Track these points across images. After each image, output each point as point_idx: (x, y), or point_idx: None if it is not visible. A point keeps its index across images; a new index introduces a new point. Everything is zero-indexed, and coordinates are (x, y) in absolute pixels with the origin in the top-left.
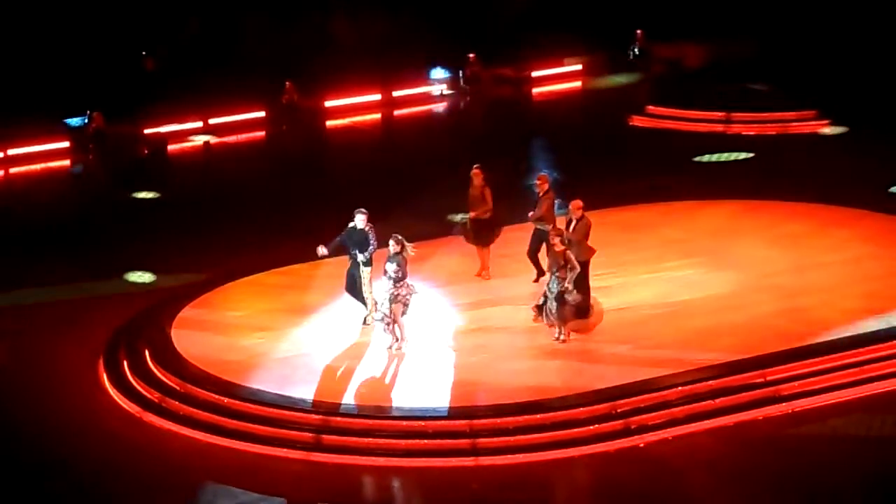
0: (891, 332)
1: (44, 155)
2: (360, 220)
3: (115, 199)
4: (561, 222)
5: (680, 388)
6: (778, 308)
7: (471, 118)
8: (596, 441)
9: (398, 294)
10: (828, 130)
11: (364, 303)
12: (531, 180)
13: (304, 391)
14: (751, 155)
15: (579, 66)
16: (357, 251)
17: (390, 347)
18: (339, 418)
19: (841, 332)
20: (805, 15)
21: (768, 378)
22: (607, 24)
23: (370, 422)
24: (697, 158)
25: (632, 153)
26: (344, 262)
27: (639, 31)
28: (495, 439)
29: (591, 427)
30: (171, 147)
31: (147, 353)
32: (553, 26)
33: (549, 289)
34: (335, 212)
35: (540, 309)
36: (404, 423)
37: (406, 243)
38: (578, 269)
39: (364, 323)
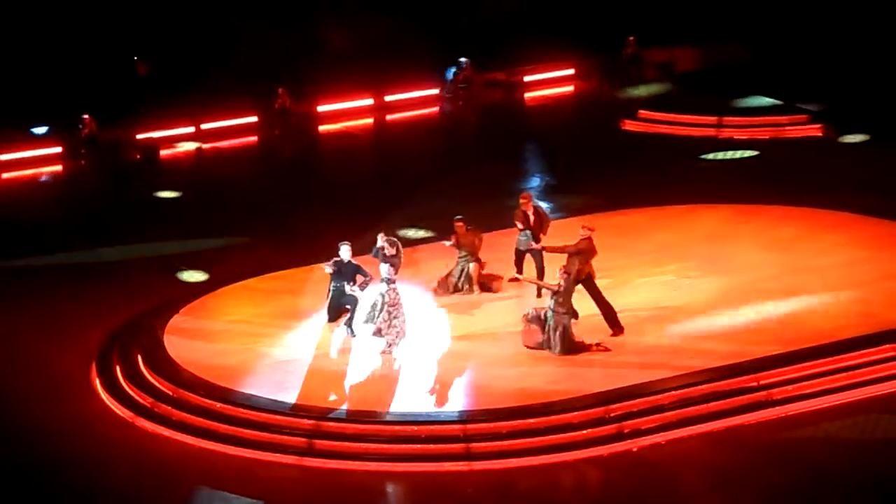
0: (883, 336)
1: (36, 161)
2: (345, 252)
3: (106, 203)
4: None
5: (673, 392)
6: (771, 312)
7: (463, 122)
8: (589, 445)
9: (392, 296)
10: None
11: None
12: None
13: (297, 396)
14: (755, 153)
15: (571, 71)
16: (345, 283)
17: (384, 352)
18: (331, 423)
19: (834, 337)
20: (799, 18)
21: (761, 382)
22: (599, 29)
23: (363, 426)
24: (703, 156)
25: (625, 157)
26: None
27: (630, 37)
28: (489, 444)
29: (585, 431)
30: (163, 152)
31: (140, 358)
32: (545, 31)
33: (550, 324)
34: (327, 216)
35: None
36: (397, 427)
37: (400, 246)
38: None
39: (352, 333)
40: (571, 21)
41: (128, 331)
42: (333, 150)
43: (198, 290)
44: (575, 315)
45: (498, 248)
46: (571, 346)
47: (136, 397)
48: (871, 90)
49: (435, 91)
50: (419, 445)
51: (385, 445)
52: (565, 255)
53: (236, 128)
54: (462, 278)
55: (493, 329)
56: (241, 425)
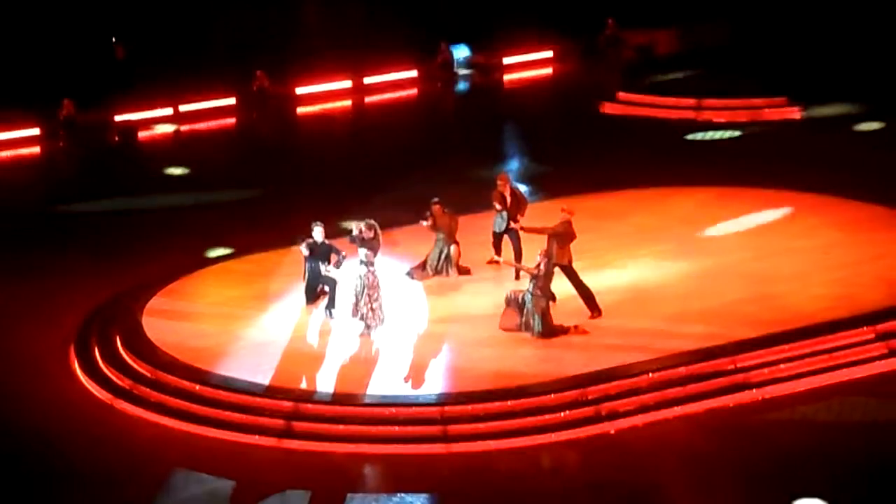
0: (861, 319)
1: (14, 142)
2: (318, 234)
3: (83, 187)
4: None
5: (650, 374)
6: (748, 295)
7: (442, 105)
8: (567, 428)
9: (371, 279)
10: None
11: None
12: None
13: (276, 378)
14: (738, 133)
15: (550, 53)
16: (319, 263)
17: (363, 334)
18: (309, 405)
19: (812, 319)
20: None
21: (738, 365)
22: (578, 12)
23: (341, 409)
24: (689, 137)
25: (603, 140)
26: None
27: (609, 19)
28: (466, 426)
29: (562, 414)
30: (141, 134)
31: (118, 340)
32: (524, 13)
33: (528, 307)
34: (305, 199)
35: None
36: (375, 409)
37: (378, 229)
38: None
39: (330, 316)
40: (551, 4)
41: (106, 312)
42: (311, 132)
43: (175, 272)
44: (553, 298)
45: (476, 231)
46: (550, 330)
47: (115, 379)
48: (847, 68)
49: (413, 73)
50: (397, 427)
51: (363, 427)
52: (544, 238)
53: (214, 110)
54: (441, 261)
55: (471, 312)
56: (219, 407)
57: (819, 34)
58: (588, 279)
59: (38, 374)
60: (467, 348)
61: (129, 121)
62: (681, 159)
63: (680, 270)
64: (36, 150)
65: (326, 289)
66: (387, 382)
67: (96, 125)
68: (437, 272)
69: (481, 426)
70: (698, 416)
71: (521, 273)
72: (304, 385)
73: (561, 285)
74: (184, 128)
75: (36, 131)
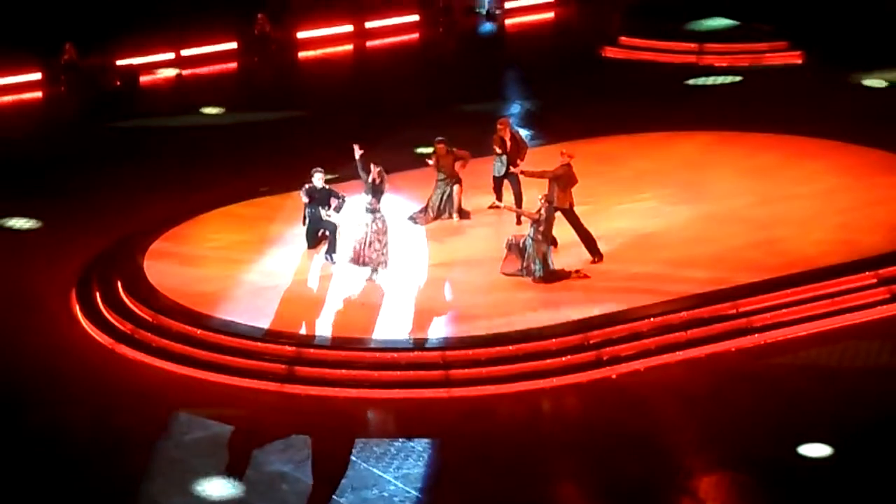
0: (862, 263)
1: (15, 87)
2: (318, 180)
3: (86, 130)
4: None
5: (652, 319)
6: (750, 240)
7: (443, 50)
8: (568, 372)
9: (380, 224)
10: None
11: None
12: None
13: (277, 323)
14: (739, 79)
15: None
16: (321, 207)
17: (369, 279)
18: (311, 350)
19: (814, 264)
20: None
21: (740, 309)
22: None
23: (343, 353)
24: (691, 81)
25: (605, 85)
26: None
27: None
28: (468, 370)
29: (564, 358)
30: (142, 78)
31: (119, 284)
32: None
33: (529, 252)
34: (307, 143)
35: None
36: (377, 354)
37: (384, 174)
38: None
39: (331, 261)
40: None
41: (108, 257)
42: (313, 76)
43: (177, 216)
44: (554, 243)
45: (478, 175)
46: (551, 274)
47: (116, 324)
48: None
49: (415, 17)
50: (399, 372)
51: (365, 372)
52: (545, 182)
53: (216, 54)
54: (443, 201)
55: (473, 256)
56: (221, 352)
57: None
58: (590, 224)
59: (40, 318)
60: (469, 293)
61: (130, 65)
62: (682, 103)
63: (681, 215)
64: (38, 94)
65: (327, 233)
66: (388, 327)
67: (98, 69)
68: (438, 213)
69: (483, 371)
70: (700, 361)
71: (523, 218)
72: (305, 330)
73: (562, 231)
74: (185, 72)
75: (38, 76)
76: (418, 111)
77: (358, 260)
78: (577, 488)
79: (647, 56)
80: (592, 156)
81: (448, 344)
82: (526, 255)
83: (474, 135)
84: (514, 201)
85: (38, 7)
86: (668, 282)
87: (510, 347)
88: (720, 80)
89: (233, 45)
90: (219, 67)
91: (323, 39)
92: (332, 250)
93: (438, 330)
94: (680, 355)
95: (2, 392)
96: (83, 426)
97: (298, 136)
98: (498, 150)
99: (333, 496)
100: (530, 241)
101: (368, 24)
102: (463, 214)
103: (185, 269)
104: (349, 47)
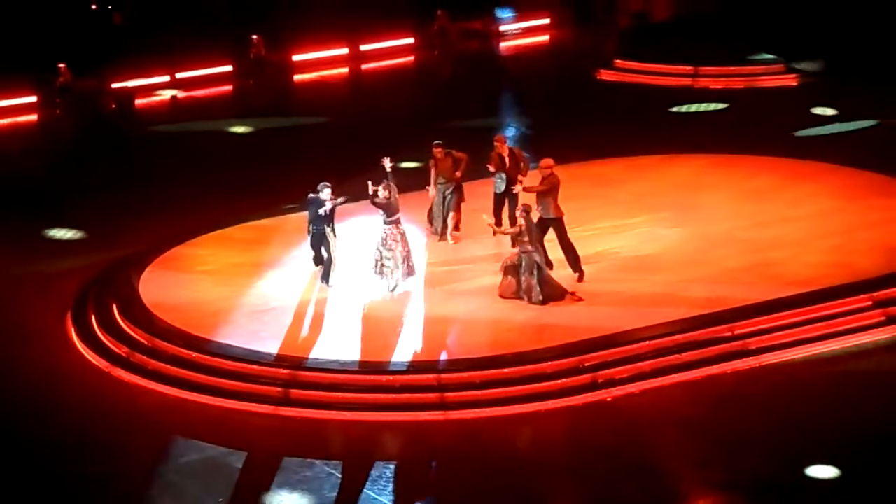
0: (857, 286)
1: (11, 110)
2: (326, 195)
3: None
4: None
5: (648, 342)
6: (745, 262)
7: (439, 72)
8: (564, 395)
9: (396, 234)
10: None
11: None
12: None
13: (272, 345)
14: (724, 105)
15: (546, 20)
16: (325, 226)
17: (392, 290)
18: (306, 373)
19: (809, 286)
20: None
21: (736, 332)
22: None
23: (338, 376)
24: (675, 109)
25: (600, 107)
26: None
27: None
28: (463, 393)
29: (559, 381)
30: (138, 101)
31: (115, 307)
32: None
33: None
34: (302, 166)
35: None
36: (372, 377)
37: (394, 188)
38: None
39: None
40: None
41: (103, 279)
42: (307, 99)
43: (172, 239)
44: (549, 265)
45: (475, 197)
46: (551, 291)
47: (112, 347)
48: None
49: (411, 40)
50: (394, 395)
51: (360, 395)
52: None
53: (212, 77)
54: (445, 207)
55: (470, 276)
56: (216, 375)
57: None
58: (585, 246)
59: (35, 341)
60: (463, 315)
61: (125, 87)
62: (677, 126)
63: (677, 237)
64: (33, 117)
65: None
66: (383, 349)
67: (93, 92)
68: (442, 222)
69: (478, 393)
70: (696, 384)
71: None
72: (301, 352)
73: (553, 252)
74: (181, 94)
75: (33, 98)
76: (413, 132)
77: (380, 272)
78: None
79: (642, 79)
80: (588, 178)
81: (444, 367)
82: (522, 274)
83: (471, 155)
84: (507, 221)
85: (33, 30)
86: (663, 304)
87: (505, 370)
88: (703, 107)
89: (228, 68)
90: (215, 90)
91: (318, 62)
92: (326, 277)
93: (434, 352)
94: (675, 378)
95: None
96: (78, 450)
97: (294, 158)
98: (492, 169)
99: None
100: (524, 256)
101: (364, 47)
102: (455, 238)
103: (181, 292)
104: (345, 70)
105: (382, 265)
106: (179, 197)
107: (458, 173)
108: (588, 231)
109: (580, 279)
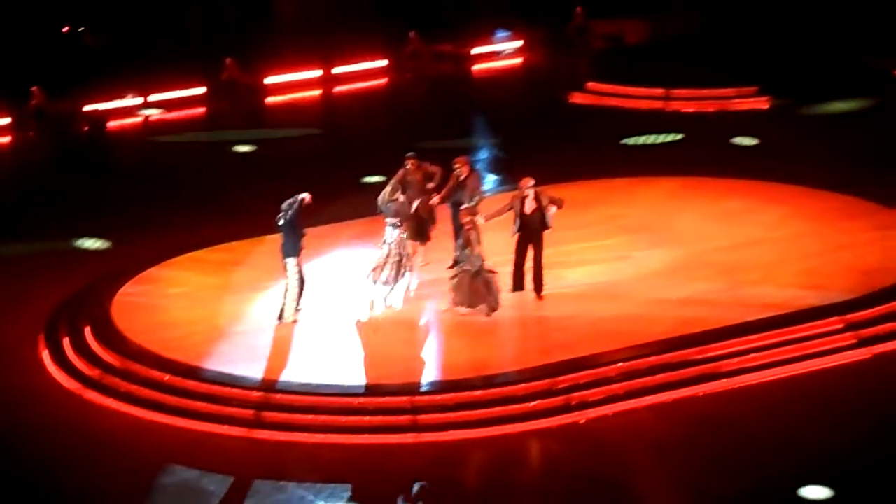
0: (830, 308)
1: None
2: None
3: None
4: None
5: (620, 364)
6: (717, 284)
7: (411, 95)
8: (536, 417)
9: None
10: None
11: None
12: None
13: (245, 368)
14: (680, 136)
15: (519, 43)
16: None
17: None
18: (279, 395)
19: (781, 309)
20: None
21: (708, 354)
22: (547, 0)
23: (310, 398)
24: (630, 140)
25: (572, 130)
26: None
27: (578, 8)
28: (436, 415)
29: (532, 403)
30: (110, 123)
31: (87, 329)
32: (493, 2)
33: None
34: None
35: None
36: (344, 399)
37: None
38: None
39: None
40: None
41: (75, 302)
42: (280, 121)
43: (146, 261)
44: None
45: (443, 220)
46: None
47: (84, 369)
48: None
49: (384, 63)
50: (366, 417)
51: (332, 417)
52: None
53: (184, 99)
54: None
55: (441, 298)
56: (189, 397)
57: (791, 24)
58: (558, 269)
59: (7, 363)
60: (437, 337)
61: (98, 110)
62: (649, 149)
63: (648, 260)
64: (6, 139)
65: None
66: (355, 372)
67: (65, 115)
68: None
69: (451, 416)
70: (668, 406)
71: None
72: (274, 375)
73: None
74: (153, 116)
75: (6, 120)
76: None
77: (381, 279)
78: None
79: (614, 102)
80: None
81: (416, 388)
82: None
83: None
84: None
85: (7, 52)
86: (635, 326)
87: (478, 392)
88: (661, 138)
89: (201, 90)
90: (187, 112)
91: (291, 84)
92: (281, 315)
93: (406, 374)
94: (648, 400)
95: None
96: (49, 472)
97: (267, 180)
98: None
99: None
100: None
101: (336, 70)
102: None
103: (154, 314)
104: (317, 92)
105: (387, 267)
106: (152, 219)
107: (431, 184)
108: (560, 252)
109: (538, 298)
